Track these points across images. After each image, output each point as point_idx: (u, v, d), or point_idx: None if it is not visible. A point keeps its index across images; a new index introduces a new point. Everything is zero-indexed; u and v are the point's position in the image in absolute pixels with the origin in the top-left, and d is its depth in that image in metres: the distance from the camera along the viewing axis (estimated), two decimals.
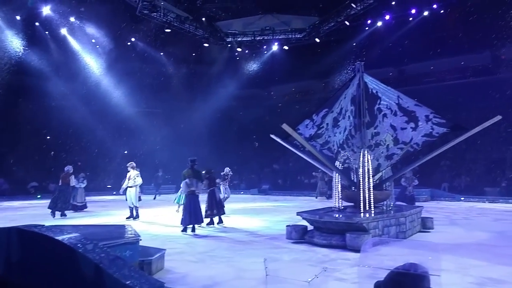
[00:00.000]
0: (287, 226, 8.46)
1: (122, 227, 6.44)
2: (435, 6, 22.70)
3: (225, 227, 10.34)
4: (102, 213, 13.79)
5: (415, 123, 9.43)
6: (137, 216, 11.77)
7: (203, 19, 24.56)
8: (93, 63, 24.81)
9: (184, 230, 9.39)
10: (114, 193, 19.61)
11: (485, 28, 20.38)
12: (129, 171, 11.68)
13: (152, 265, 5.49)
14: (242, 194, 23.57)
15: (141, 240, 5.45)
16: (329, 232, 7.72)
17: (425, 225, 9.42)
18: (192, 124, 25.89)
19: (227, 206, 11.82)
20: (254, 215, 13.12)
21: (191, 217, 9.38)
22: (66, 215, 12.54)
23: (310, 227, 8.34)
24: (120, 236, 5.26)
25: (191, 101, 27.73)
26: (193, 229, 9.42)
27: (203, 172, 10.55)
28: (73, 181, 13.23)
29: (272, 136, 10.21)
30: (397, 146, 9.50)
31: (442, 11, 23.30)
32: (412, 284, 1.72)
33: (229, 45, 27.15)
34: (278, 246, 7.74)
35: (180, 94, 28.31)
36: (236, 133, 27.88)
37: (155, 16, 22.41)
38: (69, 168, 13.11)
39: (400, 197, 13.97)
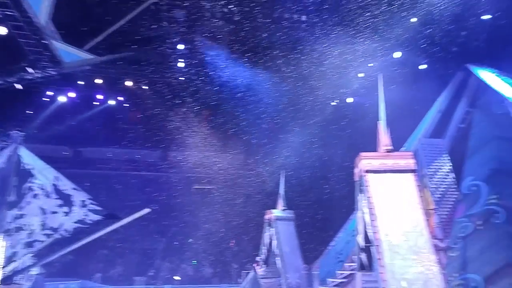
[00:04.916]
0: None
1: None
2: (120, 98, 25.08)
3: None
4: None
5: (69, 207, 9.41)
6: None
7: None
8: None
9: None
10: None
11: (159, 131, 24.19)
12: None
13: None
14: None
15: None
16: None
17: None
18: None
19: None
20: None
21: None
22: None
23: None
24: None
25: None
26: None
27: None
28: None
29: None
30: (43, 232, 9.01)
31: (126, 105, 26.01)
32: None
33: None
34: None
35: None
36: None
37: None
38: None
39: None
